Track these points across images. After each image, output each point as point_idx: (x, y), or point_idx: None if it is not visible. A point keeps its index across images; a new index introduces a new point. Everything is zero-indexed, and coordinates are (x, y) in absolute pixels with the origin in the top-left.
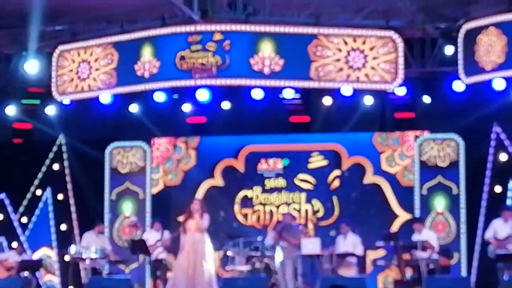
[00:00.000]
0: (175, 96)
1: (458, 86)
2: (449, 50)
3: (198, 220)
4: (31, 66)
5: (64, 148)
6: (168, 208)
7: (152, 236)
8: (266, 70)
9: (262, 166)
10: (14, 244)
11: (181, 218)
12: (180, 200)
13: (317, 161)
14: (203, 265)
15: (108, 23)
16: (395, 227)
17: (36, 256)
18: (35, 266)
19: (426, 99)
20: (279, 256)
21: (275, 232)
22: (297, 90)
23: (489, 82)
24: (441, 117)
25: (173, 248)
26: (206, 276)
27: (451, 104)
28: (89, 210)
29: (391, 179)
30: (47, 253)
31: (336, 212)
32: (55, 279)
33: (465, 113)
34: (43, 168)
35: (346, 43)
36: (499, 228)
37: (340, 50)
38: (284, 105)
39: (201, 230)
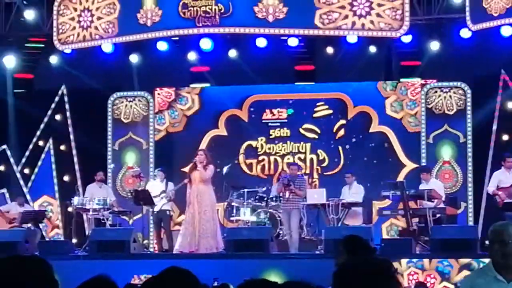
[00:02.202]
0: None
1: (465, 33)
2: None
3: (201, 171)
4: (32, 15)
5: (66, 98)
6: (171, 158)
7: (156, 186)
8: (270, 18)
9: (267, 115)
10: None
11: (186, 169)
12: (184, 150)
13: (322, 110)
14: (207, 216)
15: None
16: (401, 176)
17: (37, 204)
18: (38, 217)
19: (434, 45)
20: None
21: (281, 183)
22: (301, 38)
23: (496, 28)
24: (447, 65)
25: (177, 199)
26: (210, 227)
27: (458, 51)
28: (92, 161)
29: (397, 126)
30: (48, 201)
31: (342, 161)
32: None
33: (472, 61)
34: (45, 119)
35: None
36: (503, 177)
37: None
38: (288, 53)
39: (205, 181)
